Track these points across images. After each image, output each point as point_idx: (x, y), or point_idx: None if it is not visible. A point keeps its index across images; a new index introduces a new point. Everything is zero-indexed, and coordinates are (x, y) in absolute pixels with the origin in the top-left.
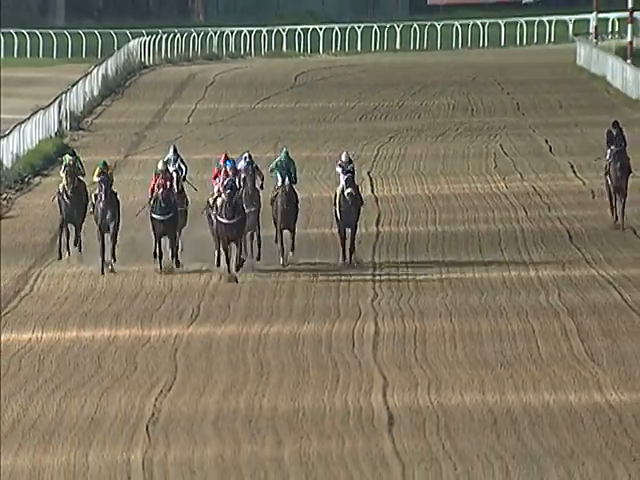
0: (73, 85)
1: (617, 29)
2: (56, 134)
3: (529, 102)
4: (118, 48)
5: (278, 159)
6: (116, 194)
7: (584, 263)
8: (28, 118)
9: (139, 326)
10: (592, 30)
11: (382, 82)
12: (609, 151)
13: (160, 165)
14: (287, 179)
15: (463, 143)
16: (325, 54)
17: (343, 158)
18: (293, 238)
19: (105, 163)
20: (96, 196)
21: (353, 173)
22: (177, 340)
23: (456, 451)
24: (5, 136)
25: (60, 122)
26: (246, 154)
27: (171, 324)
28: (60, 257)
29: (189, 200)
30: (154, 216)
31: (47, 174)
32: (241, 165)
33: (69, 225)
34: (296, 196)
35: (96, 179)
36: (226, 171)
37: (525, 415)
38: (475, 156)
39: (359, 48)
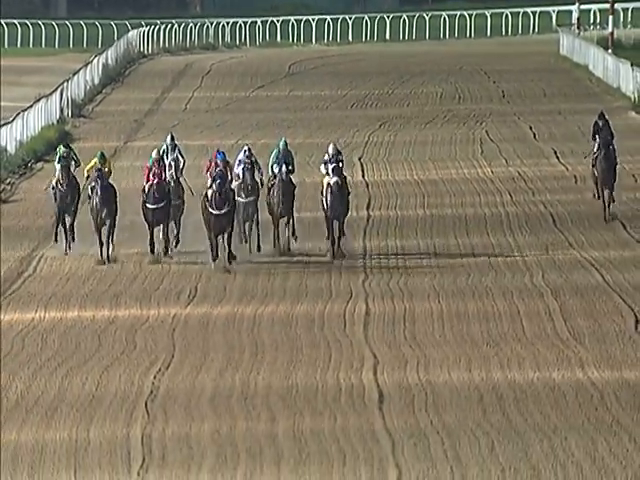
0: (74, 74)
1: (599, 20)
2: (58, 121)
3: (514, 90)
4: (118, 38)
5: (276, 150)
6: (113, 187)
7: (567, 245)
8: (31, 106)
9: (138, 306)
10: (575, 21)
11: (373, 71)
12: (596, 143)
13: (154, 154)
14: (284, 168)
15: (450, 130)
16: (318, 44)
17: (330, 150)
18: (293, 224)
19: (103, 155)
20: (92, 189)
21: (341, 163)
22: (175, 320)
23: (444, 427)
24: (9, 123)
25: (62, 109)
26: (246, 147)
27: (169, 305)
28: (56, 241)
29: (185, 191)
30: (147, 205)
31: (49, 160)
32: (240, 157)
33: (64, 216)
34: (293, 186)
35: (92, 173)
36: (217, 163)
37: (510, 392)
38: (462, 142)
39: (350, 38)
